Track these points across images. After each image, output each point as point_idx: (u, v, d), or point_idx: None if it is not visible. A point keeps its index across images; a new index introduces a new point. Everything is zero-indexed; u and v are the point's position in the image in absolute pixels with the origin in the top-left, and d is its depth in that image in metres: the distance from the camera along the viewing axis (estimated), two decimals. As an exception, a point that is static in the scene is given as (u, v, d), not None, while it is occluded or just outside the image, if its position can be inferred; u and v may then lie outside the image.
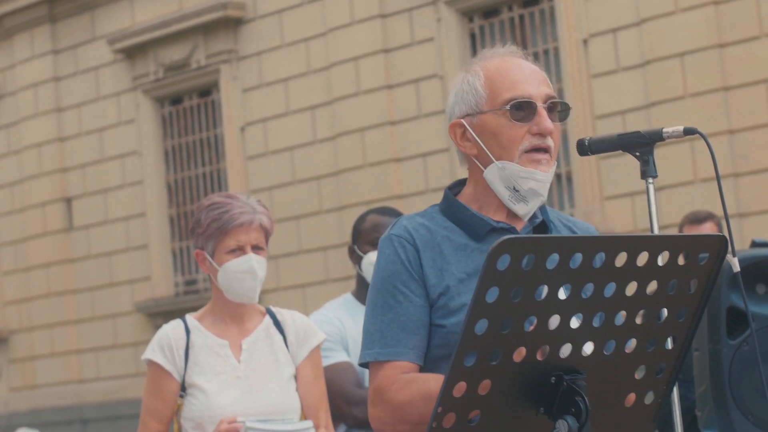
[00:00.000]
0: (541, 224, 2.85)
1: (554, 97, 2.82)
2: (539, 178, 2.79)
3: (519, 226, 2.83)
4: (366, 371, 4.71)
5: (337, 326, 4.72)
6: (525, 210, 2.81)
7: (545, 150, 2.79)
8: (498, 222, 2.81)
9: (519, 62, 2.87)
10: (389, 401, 2.69)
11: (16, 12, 15.56)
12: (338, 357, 4.66)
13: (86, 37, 15.08)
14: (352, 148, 12.73)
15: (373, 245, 4.79)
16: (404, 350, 2.70)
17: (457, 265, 2.75)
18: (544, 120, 2.78)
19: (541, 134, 2.78)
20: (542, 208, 2.88)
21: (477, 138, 2.85)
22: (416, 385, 2.66)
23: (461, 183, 2.95)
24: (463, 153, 2.89)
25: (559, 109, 2.82)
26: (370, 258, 4.78)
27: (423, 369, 2.72)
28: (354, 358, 4.72)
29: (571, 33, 11.28)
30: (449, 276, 2.73)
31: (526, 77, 2.83)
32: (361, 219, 4.93)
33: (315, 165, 13.05)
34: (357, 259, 4.87)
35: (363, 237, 4.86)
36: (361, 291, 4.87)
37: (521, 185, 2.78)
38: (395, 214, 4.91)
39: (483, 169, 2.84)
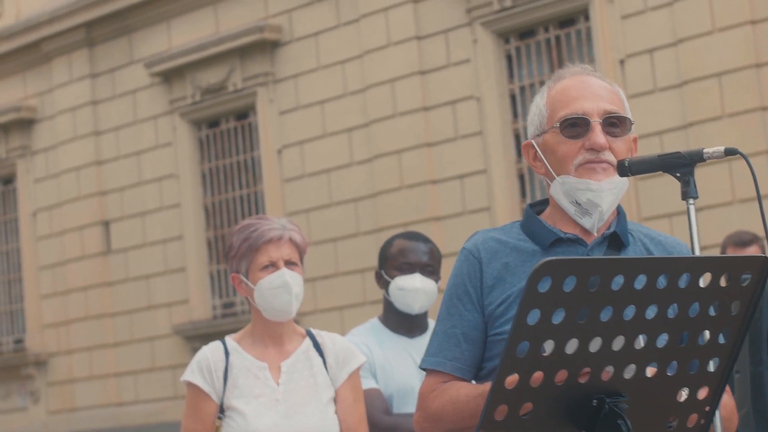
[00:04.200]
0: (612, 236, 2.87)
1: (613, 112, 2.85)
2: (593, 187, 2.84)
3: (590, 239, 2.89)
4: (393, 398, 4.72)
5: (364, 352, 4.69)
6: (590, 223, 2.88)
7: (599, 161, 2.85)
8: (566, 233, 2.88)
9: (583, 79, 2.93)
10: (426, 408, 2.84)
11: (54, 36, 15.69)
12: (366, 384, 4.63)
13: (124, 61, 15.18)
14: (388, 170, 12.73)
15: (400, 270, 4.77)
16: (443, 361, 2.83)
17: (521, 275, 2.82)
18: (596, 135, 2.84)
19: (594, 149, 2.81)
20: (620, 220, 2.91)
21: (542, 156, 2.92)
22: (448, 394, 2.78)
23: (544, 202, 3.04)
24: (536, 173, 2.99)
25: (618, 123, 2.85)
26: (398, 283, 4.76)
27: (484, 377, 2.82)
28: (382, 385, 4.70)
29: (607, 53, 11.25)
30: (512, 285, 2.82)
31: (585, 94, 2.89)
32: (388, 244, 4.91)
33: (352, 187, 13.06)
34: (384, 284, 4.84)
35: (390, 262, 4.82)
36: (388, 316, 4.85)
37: (580, 197, 2.86)
38: (422, 238, 4.88)
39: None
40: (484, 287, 2.83)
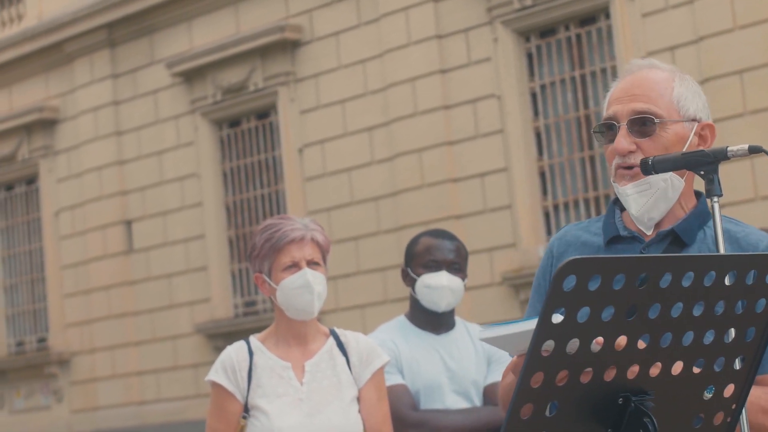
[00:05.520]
0: (669, 233, 2.88)
1: (641, 111, 2.86)
2: (620, 192, 2.89)
3: (649, 237, 2.92)
4: (420, 394, 4.72)
5: (391, 349, 4.70)
6: (638, 223, 2.91)
7: (628, 167, 2.87)
8: (626, 229, 2.92)
9: (631, 78, 2.95)
10: (502, 386, 2.98)
11: (76, 37, 15.74)
12: (393, 380, 4.65)
13: (145, 61, 15.22)
14: (409, 168, 12.74)
15: (427, 267, 4.77)
16: None
17: None
18: (617, 139, 2.87)
19: (619, 155, 2.87)
20: (688, 218, 2.90)
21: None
22: (507, 379, 2.88)
23: None
24: None
25: (647, 122, 2.86)
26: (424, 281, 4.76)
27: None
28: (409, 381, 4.71)
29: (628, 51, 11.23)
30: None
31: (621, 95, 2.92)
32: (414, 241, 4.91)
33: (373, 186, 13.07)
34: (410, 282, 4.84)
35: (416, 260, 4.83)
36: (415, 313, 4.86)
37: (621, 199, 2.91)
38: (448, 236, 4.89)
39: None
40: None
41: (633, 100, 2.88)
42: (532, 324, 2.26)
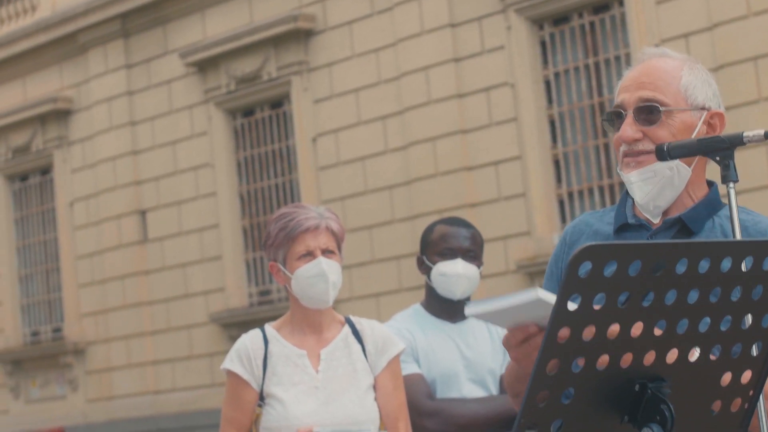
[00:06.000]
0: (676, 221, 2.87)
1: (647, 99, 2.85)
2: (624, 178, 2.89)
3: (657, 224, 2.91)
4: (436, 383, 4.71)
5: (407, 338, 4.69)
6: (643, 211, 2.90)
7: (634, 155, 2.86)
8: (634, 216, 2.92)
9: (640, 67, 2.94)
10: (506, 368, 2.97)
11: (89, 28, 15.76)
12: (409, 369, 4.64)
13: (159, 51, 15.24)
14: (423, 157, 12.73)
15: (442, 255, 4.75)
16: None
17: None
18: (623, 127, 2.87)
19: (625, 142, 2.86)
20: (696, 206, 2.89)
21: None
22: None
23: None
24: None
25: (654, 110, 2.85)
26: (439, 269, 4.74)
27: None
28: (425, 370, 4.70)
29: (642, 39, 11.20)
30: None
31: (629, 84, 2.91)
32: (430, 229, 4.89)
33: (387, 175, 13.07)
34: (426, 270, 4.83)
35: (431, 247, 4.81)
36: (431, 302, 4.85)
37: (627, 187, 2.90)
38: (464, 224, 4.87)
39: None
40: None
41: (640, 89, 2.88)
42: (517, 298, 2.26)
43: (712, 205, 2.92)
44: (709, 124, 2.91)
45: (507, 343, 2.44)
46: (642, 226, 2.90)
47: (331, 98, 13.58)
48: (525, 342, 2.41)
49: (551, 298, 2.26)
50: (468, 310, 2.35)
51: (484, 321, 4.86)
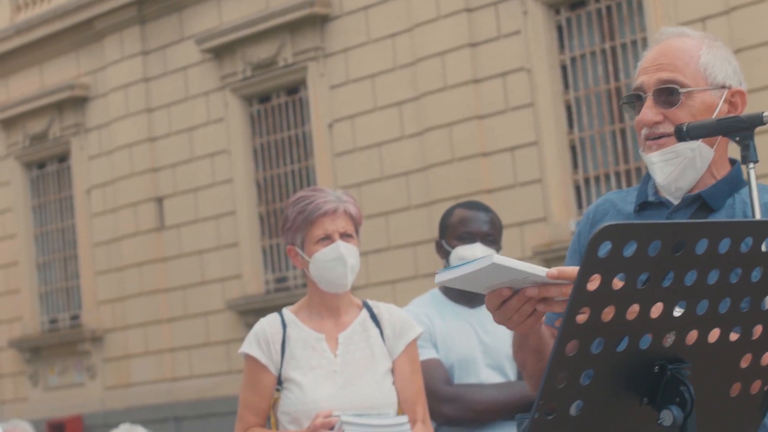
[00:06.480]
0: (696, 198, 2.86)
1: (667, 81, 2.83)
2: (646, 159, 2.87)
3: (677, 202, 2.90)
4: (454, 368, 4.69)
5: (425, 323, 4.67)
6: (664, 192, 2.88)
7: (656, 138, 2.84)
8: (654, 195, 2.90)
9: (658, 48, 2.92)
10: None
11: (105, 14, 15.77)
12: (427, 354, 4.62)
13: (175, 38, 15.24)
14: (439, 143, 12.71)
15: (461, 240, 4.73)
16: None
17: None
18: (643, 110, 2.85)
19: (646, 126, 2.84)
20: (717, 184, 2.87)
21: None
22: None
23: None
24: None
25: (673, 92, 2.83)
26: (458, 253, 4.72)
27: None
28: (443, 355, 4.68)
29: (659, 22, 11.16)
30: None
31: (648, 65, 2.90)
32: (448, 213, 4.86)
33: (403, 160, 13.06)
34: (445, 254, 4.81)
35: (450, 232, 4.79)
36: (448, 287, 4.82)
37: (648, 168, 2.88)
38: (483, 208, 4.85)
39: None
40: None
41: (659, 70, 2.86)
42: (476, 264, 2.26)
43: (733, 182, 2.90)
44: (730, 103, 2.89)
45: (488, 308, 2.45)
46: (662, 203, 2.89)
47: (347, 84, 13.57)
48: (502, 306, 2.40)
49: (508, 261, 2.27)
50: (437, 278, 2.37)
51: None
